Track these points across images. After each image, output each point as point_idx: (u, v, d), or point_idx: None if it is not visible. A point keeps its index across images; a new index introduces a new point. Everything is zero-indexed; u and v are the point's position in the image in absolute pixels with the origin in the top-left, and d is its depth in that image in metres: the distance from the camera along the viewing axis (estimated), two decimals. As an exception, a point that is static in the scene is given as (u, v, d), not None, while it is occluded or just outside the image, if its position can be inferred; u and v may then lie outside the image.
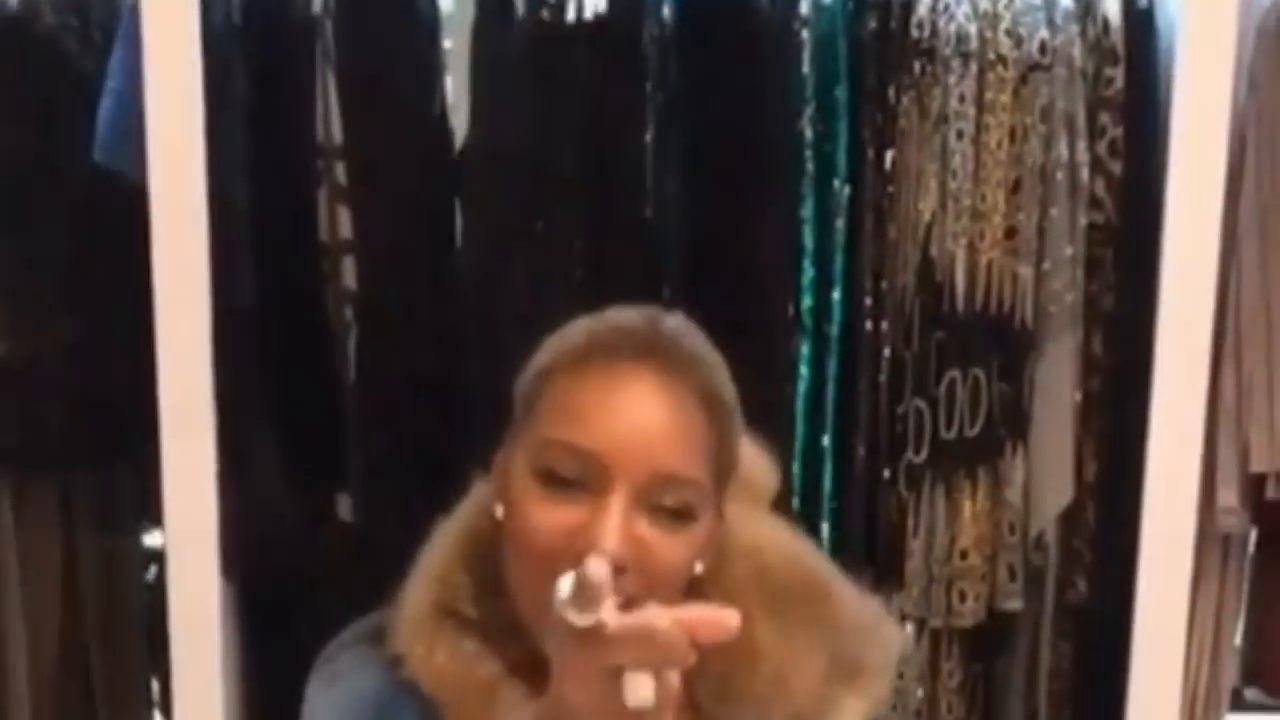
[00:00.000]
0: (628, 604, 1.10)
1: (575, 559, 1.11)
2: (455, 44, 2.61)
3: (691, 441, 1.25)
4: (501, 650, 1.29)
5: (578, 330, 1.30)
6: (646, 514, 1.23)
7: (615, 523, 1.21)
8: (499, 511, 1.28)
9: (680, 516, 1.24)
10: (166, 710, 2.68)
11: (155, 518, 2.75)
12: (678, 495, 1.24)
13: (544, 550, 1.21)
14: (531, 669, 1.23)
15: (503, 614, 1.28)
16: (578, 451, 1.22)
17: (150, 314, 2.39)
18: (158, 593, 2.65)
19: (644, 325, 1.30)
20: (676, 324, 1.32)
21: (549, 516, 1.23)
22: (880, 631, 1.38)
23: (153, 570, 2.82)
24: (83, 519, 2.73)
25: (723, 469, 1.29)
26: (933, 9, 2.41)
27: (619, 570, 1.17)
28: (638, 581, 1.21)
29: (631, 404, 1.24)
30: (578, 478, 1.22)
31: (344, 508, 2.60)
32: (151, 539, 2.81)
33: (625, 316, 1.32)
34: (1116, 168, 2.47)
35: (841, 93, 2.43)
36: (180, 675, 2.53)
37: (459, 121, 2.55)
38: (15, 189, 2.50)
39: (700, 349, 1.31)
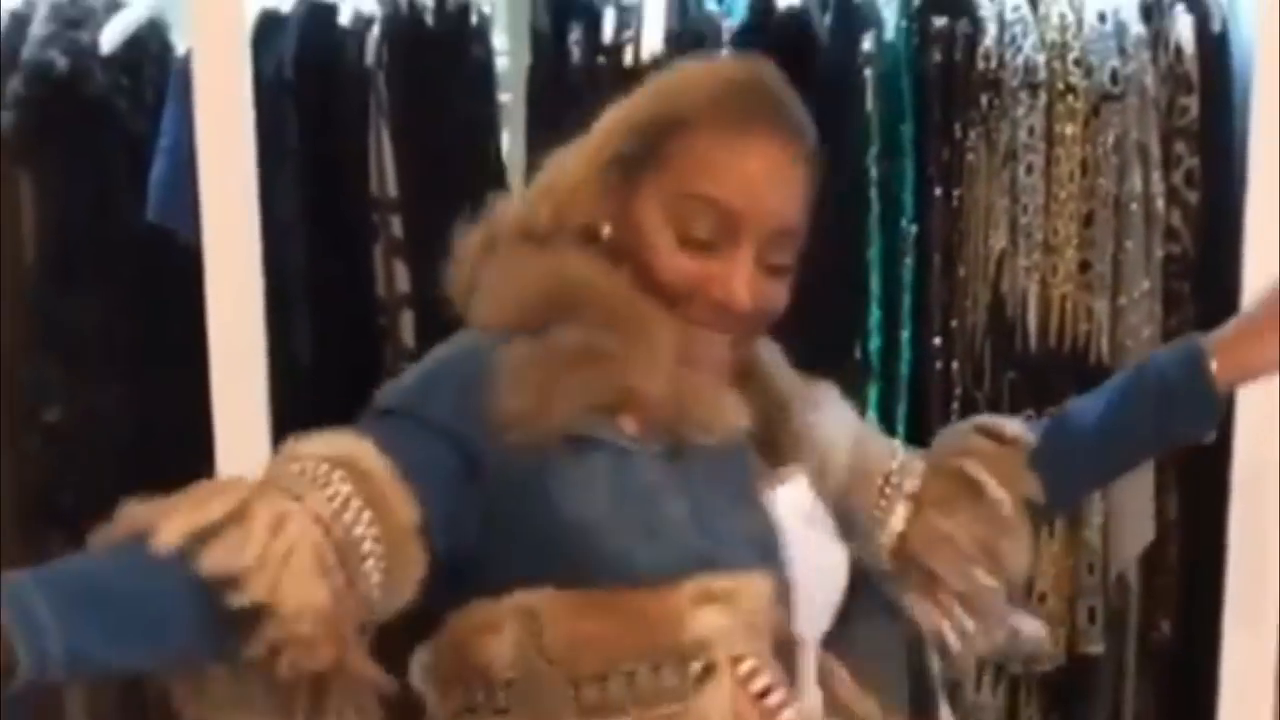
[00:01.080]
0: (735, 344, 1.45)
1: (706, 302, 1.40)
2: (512, 98, 2.57)
3: (802, 200, 1.45)
4: None
5: (702, 79, 1.46)
6: (761, 268, 1.42)
7: (747, 278, 1.40)
8: (605, 230, 1.45)
9: (782, 271, 1.45)
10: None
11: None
12: (787, 250, 1.45)
13: (677, 292, 1.41)
14: None
15: None
16: (717, 206, 1.40)
17: (205, 373, 2.35)
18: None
19: (769, 83, 1.48)
20: (782, 80, 1.50)
21: (685, 265, 1.41)
22: None
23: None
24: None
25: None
26: (999, 40, 2.36)
27: (734, 314, 1.41)
28: (747, 327, 1.45)
29: (767, 165, 1.41)
30: (711, 230, 1.40)
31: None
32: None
33: (743, 69, 1.51)
34: (1193, 198, 2.41)
35: (907, 129, 2.38)
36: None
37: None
38: (69, 250, 2.46)
39: (802, 107, 1.49)
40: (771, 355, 1.61)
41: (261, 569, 1.21)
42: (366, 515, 1.29)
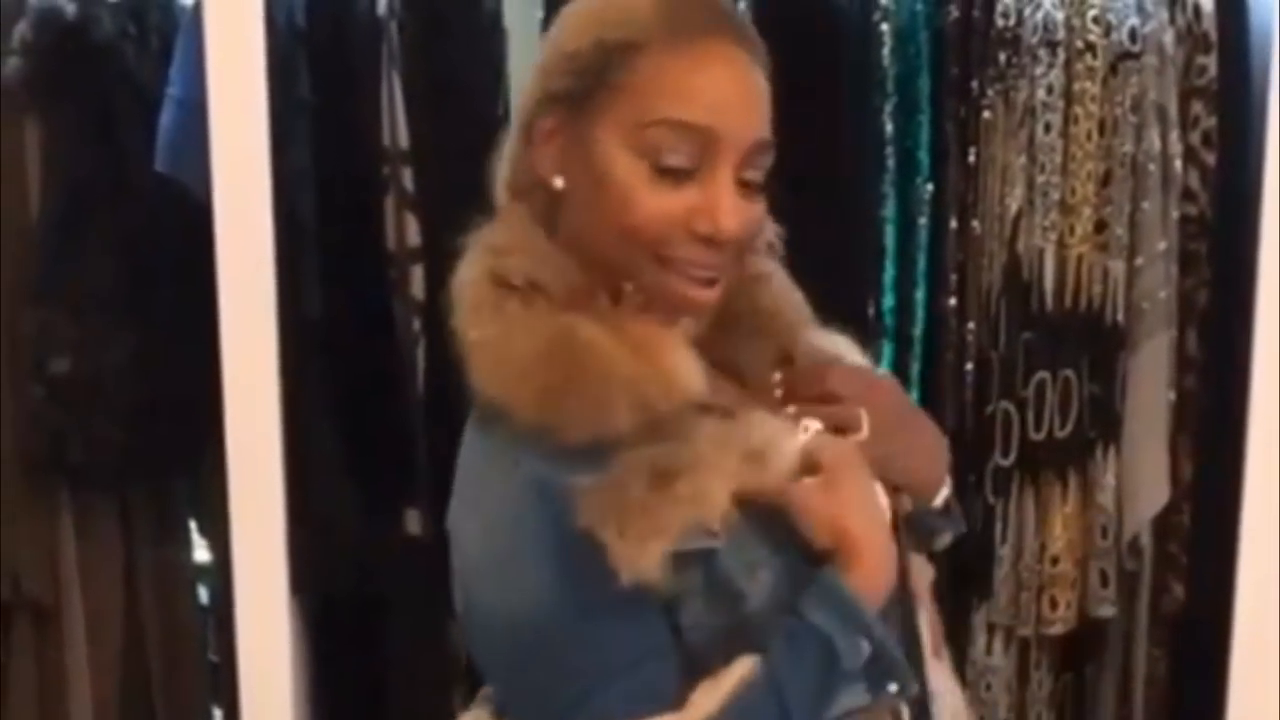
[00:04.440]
0: (713, 281, 1.31)
1: (689, 238, 1.28)
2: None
3: (767, 111, 1.33)
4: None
5: (641, 4, 1.31)
6: (739, 187, 1.30)
7: (730, 204, 1.29)
8: (558, 182, 1.32)
9: (757, 190, 1.32)
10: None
11: (204, 530, 2.72)
12: (763, 163, 1.32)
13: (657, 234, 1.28)
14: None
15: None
16: (692, 130, 1.27)
17: (210, 325, 2.33)
18: (221, 612, 2.60)
19: None
20: None
21: (663, 203, 1.28)
22: None
23: (202, 591, 2.78)
24: (141, 534, 2.68)
25: None
26: (1018, -4, 2.34)
27: (719, 245, 1.29)
28: (731, 258, 1.32)
29: (733, 77, 1.30)
30: (687, 156, 1.28)
31: (412, 522, 2.53)
32: (199, 554, 2.77)
33: None
34: (1210, 159, 2.40)
35: (923, 86, 2.36)
36: (249, 694, 2.47)
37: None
38: (75, 201, 2.44)
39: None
40: (779, 280, 1.53)
41: None
42: None
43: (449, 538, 1.34)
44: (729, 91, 1.29)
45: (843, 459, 1.33)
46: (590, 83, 1.30)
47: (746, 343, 1.46)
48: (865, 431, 1.40)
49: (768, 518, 1.29)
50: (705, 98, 1.28)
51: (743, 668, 1.24)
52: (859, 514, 1.32)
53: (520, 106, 1.39)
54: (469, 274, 1.34)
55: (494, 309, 1.30)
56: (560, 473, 1.24)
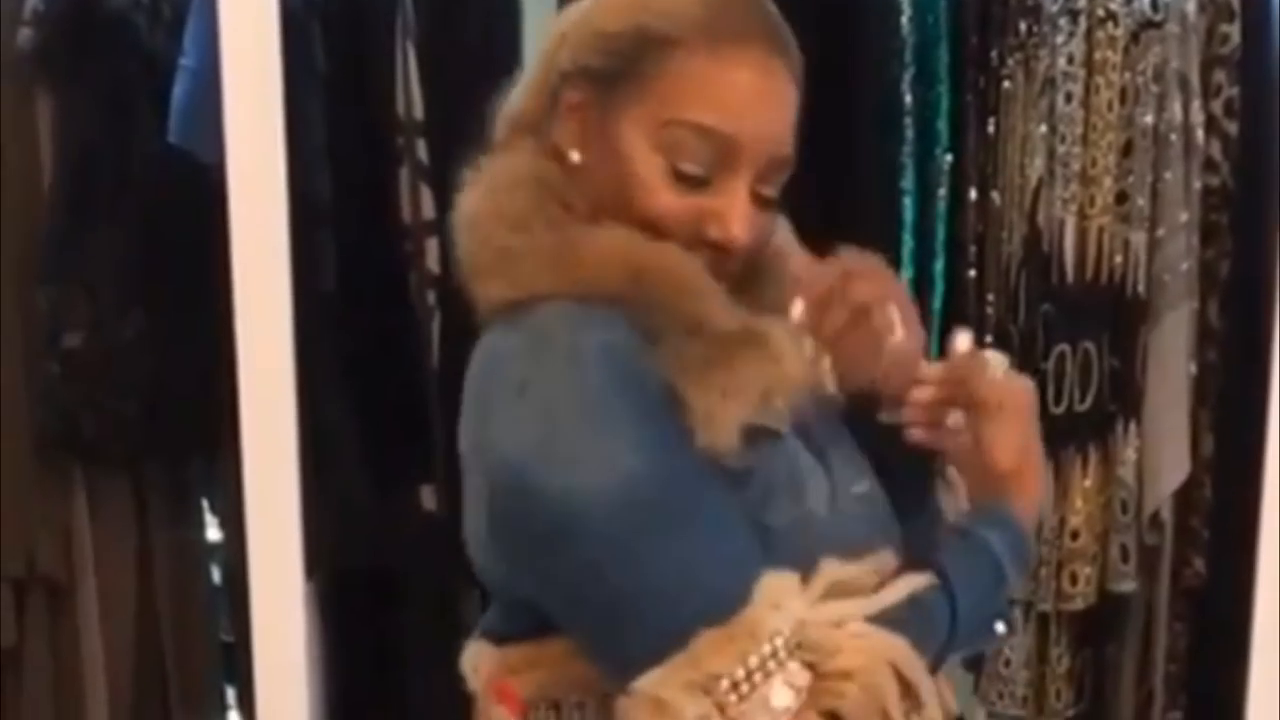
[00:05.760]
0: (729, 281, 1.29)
1: (697, 241, 1.27)
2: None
3: (793, 126, 1.31)
4: None
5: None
6: (753, 198, 1.29)
7: (743, 213, 1.28)
8: (574, 156, 1.31)
9: (770, 204, 1.32)
10: (248, 709, 2.61)
11: (218, 508, 2.71)
12: (779, 179, 1.32)
13: (664, 226, 1.27)
14: None
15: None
16: (713, 135, 1.26)
17: (223, 300, 2.31)
18: (235, 590, 2.59)
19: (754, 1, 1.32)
20: None
21: (677, 202, 1.28)
22: None
23: (214, 570, 2.77)
24: (155, 512, 2.66)
25: None
26: (1039, -36, 2.32)
27: (731, 252, 1.28)
28: (735, 264, 1.31)
29: (763, 87, 1.28)
30: (706, 161, 1.27)
31: (427, 498, 2.52)
32: (212, 532, 2.76)
33: None
34: (1233, 128, 2.38)
35: (942, 55, 2.34)
36: (263, 672, 2.46)
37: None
38: (87, 173, 2.42)
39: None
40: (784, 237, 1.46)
41: None
42: None
43: (474, 458, 1.27)
44: (757, 101, 1.27)
45: (1028, 398, 1.39)
46: (623, 67, 1.28)
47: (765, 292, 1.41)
48: (899, 332, 1.38)
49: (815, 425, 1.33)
50: (731, 104, 1.26)
51: (921, 576, 1.26)
52: (1037, 450, 1.38)
53: (547, 69, 1.35)
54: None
55: (542, 219, 1.29)
56: (630, 341, 1.23)
